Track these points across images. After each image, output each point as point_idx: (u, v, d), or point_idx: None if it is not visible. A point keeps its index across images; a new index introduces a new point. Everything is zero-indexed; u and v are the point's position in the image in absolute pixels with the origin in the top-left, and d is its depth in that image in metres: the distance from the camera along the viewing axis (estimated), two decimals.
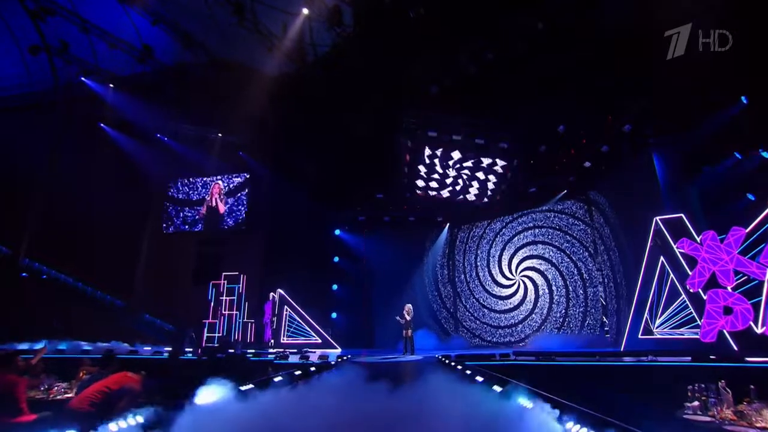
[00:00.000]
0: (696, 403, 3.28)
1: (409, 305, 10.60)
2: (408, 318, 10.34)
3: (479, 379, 4.10)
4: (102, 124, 16.43)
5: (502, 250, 14.14)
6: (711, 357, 5.35)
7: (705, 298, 6.44)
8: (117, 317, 15.42)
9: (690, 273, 6.67)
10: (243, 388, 3.01)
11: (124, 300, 15.78)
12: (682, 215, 7.04)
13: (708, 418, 3.18)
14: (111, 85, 15.12)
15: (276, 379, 3.55)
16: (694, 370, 5.00)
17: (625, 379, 5.69)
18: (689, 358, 5.51)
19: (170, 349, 9.08)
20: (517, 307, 13.42)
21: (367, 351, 12.67)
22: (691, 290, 6.64)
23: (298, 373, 4.11)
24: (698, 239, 6.68)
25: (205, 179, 16.72)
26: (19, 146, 16.19)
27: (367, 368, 5.02)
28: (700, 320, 6.50)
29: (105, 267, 15.30)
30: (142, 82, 15.32)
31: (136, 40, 14.17)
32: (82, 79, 14.87)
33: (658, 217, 7.26)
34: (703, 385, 3.33)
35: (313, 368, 4.86)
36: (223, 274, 14.82)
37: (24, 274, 15.16)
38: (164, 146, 16.48)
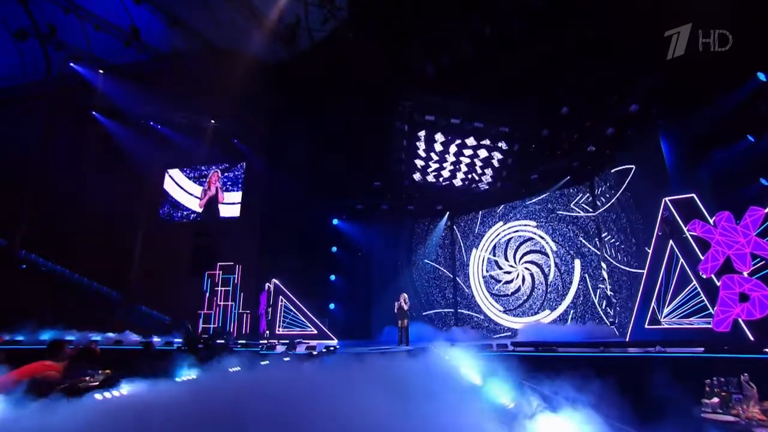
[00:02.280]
0: (715, 399, 2.79)
1: (405, 294, 10.22)
2: (406, 307, 9.97)
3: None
4: (95, 113, 16.15)
5: (503, 238, 13.69)
6: (725, 347, 4.89)
7: (719, 284, 5.96)
8: (113, 308, 15.27)
9: (702, 257, 6.17)
10: (179, 379, 2.65)
11: (120, 291, 15.60)
12: (694, 195, 6.52)
13: (731, 418, 2.70)
14: (101, 71, 14.78)
15: (232, 369, 3.19)
16: (707, 362, 4.54)
17: (632, 371, 5.25)
18: (702, 348, 5.06)
19: (145, 339, 8.83)
20: (526, 298, 12.98)
21: (364, 342, 12.38)
22: (704, 276, 6.16)
23: (264, 363, 3.75)
24: (711, 221, 6.18)
25: (200, 168, 16.42)
26: (15, 137, 16.03)
27: (346, 358, 4.65)
28: (712, 308, 6.03)
29: (101, 258, 15.12)
30: (134, 70, 15.04)
31: (126, 25, 13.83)
32: (71, 65, 14.54)
33: (667, 198, 6.75)
34: (722, 380, 2.84)
35: (287, 358, 4.51)
36: (219, 264, 14.60)
37: (23, 266, 15.05)
38: (159, 135, 16.22)
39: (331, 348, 7.21)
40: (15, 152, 15.90)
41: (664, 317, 6.89)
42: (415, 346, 9.14)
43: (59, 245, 15.26)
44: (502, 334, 12.88)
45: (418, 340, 10.97)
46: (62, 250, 15.34)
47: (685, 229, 6.45)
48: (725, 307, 5.74)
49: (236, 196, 15.86)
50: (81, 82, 15.09)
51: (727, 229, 5.92)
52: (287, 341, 10.42)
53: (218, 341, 9.57)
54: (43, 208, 15.52)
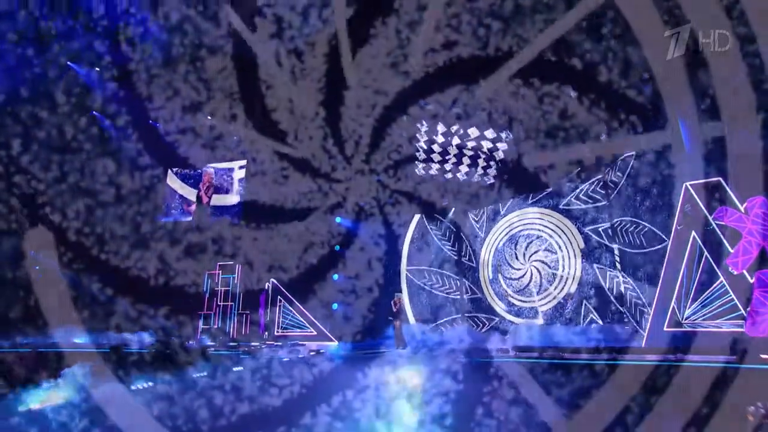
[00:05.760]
0: None
1: (399, 294, 9.91)
2: (395, 309, 9.59)
3: None
4: (96, 113, 16.21)
5: (510, 232, 13.06)
6: (763, 356, 4.15)
7: (752, 281, 5.22)
8: (117, 309, 15.32)
9: (732, 250, 5.43)
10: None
11: (124, 292, 15.64)
12: (721, 179, 5.74)
13: None
14: (97, 69, 14.78)
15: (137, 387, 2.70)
16: (742, 374, 3.79)
17: (649, 383, 4.52)
18: (733, 357, 4.34)
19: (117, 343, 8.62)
20: (537, 294, 12.33)
21: (366, 344, 11.99)
22: (734, 271, 5.43)
23: (201, 375, 3.27)
24: (742, 208, 5.41)
25: (201, 168, 16.33)
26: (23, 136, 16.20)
27: (319, 364, 4.15)
28: (744, 309, 5.28)
29: (106, 258, 15.12)
30: (133, 69, 14.98)
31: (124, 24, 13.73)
32: (69, 63, 14.57)
33: (688, 183, 5.98)
34: None
35: (240, 367, 4.03)
36: (218, 264, 14.48)
37: (36, 266, 15.25)
38: (160, 134, 16.17)
39: (312, 352, 6.78)
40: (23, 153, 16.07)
41: (686, 318, 6.13)
42: (414, 348, 8.80)
43: (66, 246, 15.35)
44: (511, 332, 12.26)
45: (420, 342, 10.53)
46: (69, 250, 15.43)
47: (710, 218, 5.69)
48: (761, 308, 4.97)
49: (237, 194, 15.66)
50: (81, 83, 15.14)
51: (762, 217, 5.15)
52: (280, 344, 10.17)
53: (208, 343, 9.35)
54: (51, 208, 15.64)
